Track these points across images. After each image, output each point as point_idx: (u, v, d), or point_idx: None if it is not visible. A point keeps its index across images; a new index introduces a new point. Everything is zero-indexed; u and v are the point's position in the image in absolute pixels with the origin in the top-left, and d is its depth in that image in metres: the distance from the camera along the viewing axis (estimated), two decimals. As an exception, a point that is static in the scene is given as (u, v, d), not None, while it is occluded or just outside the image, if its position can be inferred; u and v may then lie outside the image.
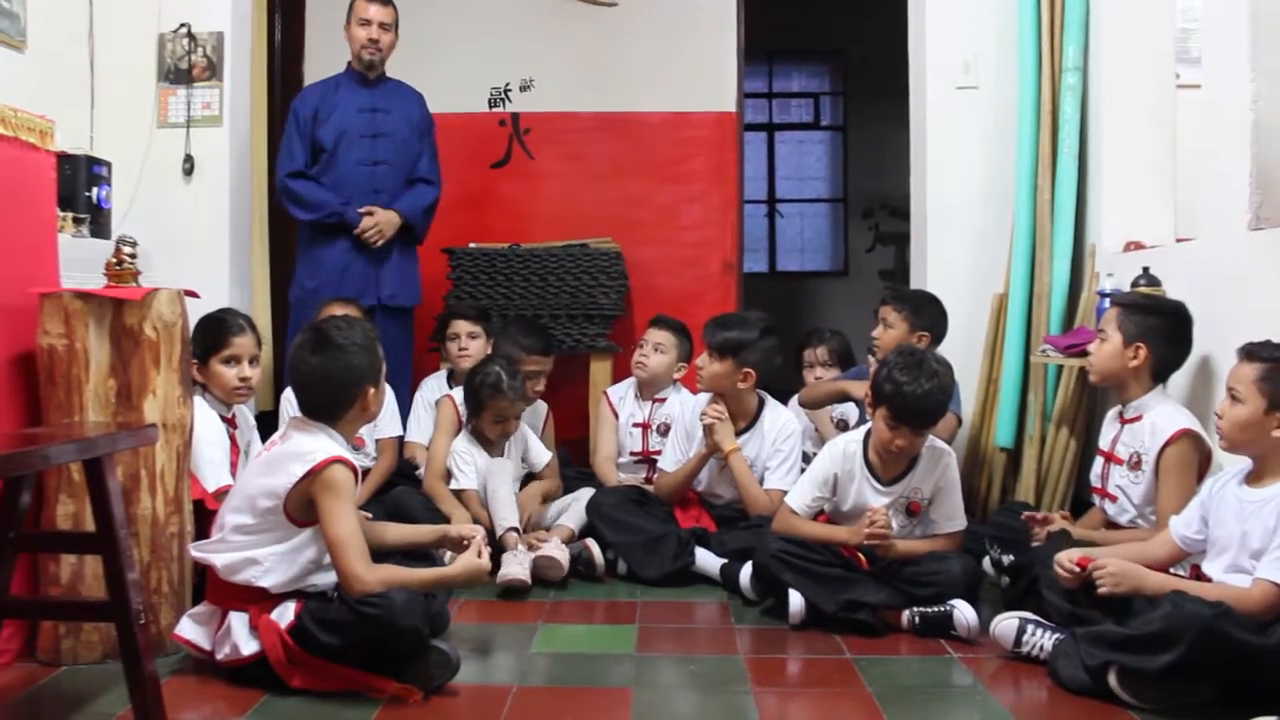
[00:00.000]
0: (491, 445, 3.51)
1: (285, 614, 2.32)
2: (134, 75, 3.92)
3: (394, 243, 4.02)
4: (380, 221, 3.93)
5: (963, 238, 4.10)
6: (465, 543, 2.61)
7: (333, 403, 2.46)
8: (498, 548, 3.18)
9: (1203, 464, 2.72)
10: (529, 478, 3.64)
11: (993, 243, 4.02)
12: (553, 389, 3.99)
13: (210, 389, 2.96)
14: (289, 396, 3.35)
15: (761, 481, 3.35)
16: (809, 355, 4.02)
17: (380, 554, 2.49)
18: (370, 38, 3.98)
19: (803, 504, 2.94)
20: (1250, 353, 2.33)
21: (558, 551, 3.16)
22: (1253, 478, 2.34)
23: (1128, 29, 3.70)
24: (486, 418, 3.47)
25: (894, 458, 2.86)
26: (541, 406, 3.84)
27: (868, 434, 2.93)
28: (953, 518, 2.88)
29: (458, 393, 3.73)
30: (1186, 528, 2.45)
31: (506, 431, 3.50)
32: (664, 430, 3.74)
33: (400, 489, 3.53)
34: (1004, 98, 4.02)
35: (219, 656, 2.36)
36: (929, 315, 3.58)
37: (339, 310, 3.36)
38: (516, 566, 3.08)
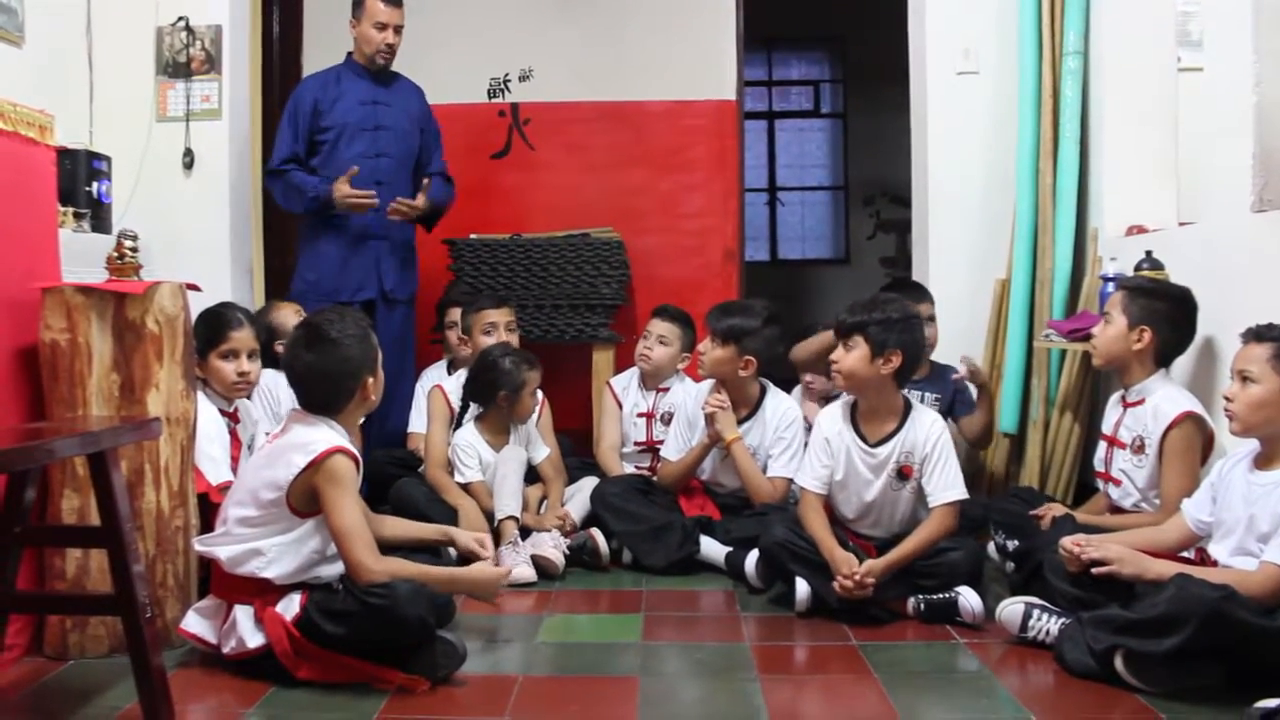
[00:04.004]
0: (496, 436, 3.51)
1: (290, 606, 2.33)
2: (132, 69, 3.91)
3: (394, 234, 4.02)
4: (418, 208, 3.95)
5: (964, 224, 4.10)
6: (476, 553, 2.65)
7: (334, 397, 2.47)
8: (494, 534, 3.21)
9: (1206, 447, 2.72)
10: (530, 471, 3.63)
11: (995, 228, 4.01)
12: (555, 379, 3.98)
13: (210, 384, 2.96)
14: (267, 384, 3.34)
15: (764, 469, 3.35)
16: None
17: (387, 549, 2.50)
18: (388, 43, 3.96)
19: (813, 476, 2.90)
20: (1260, 334, 2.33)
21: (553, 552, 3.17)
22: (1262, 460, 2.34)
23: (1128, 12, 3.68)
24: (526, 396, 3.48)
25: (846, 384, 2.85)
26: (537, 394, 3.81)
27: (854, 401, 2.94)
28: (949, 488, 2.80)
29: (448, 382, 3.73)
30: (1199, 510, 2.46)
31: (526, 412, 3.50)
32: (668, 420, 3.74)
33: (404, 480, 3.52)
34: (1005, 83, 4.01)
35: (225, 650, 2.36)
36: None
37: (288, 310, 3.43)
38: (523, 567, 3.10)
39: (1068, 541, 2.47)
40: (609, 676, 2.39)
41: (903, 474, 2.85)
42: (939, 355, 3.71)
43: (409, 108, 4.11)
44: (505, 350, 3.56)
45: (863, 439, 2.88)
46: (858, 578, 2.66)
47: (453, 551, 2.94)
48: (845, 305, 2.90)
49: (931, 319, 3.62)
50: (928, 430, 2.84)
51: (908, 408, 2.87)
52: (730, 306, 3.48)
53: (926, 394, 3.54)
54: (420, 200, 3.95)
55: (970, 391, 3.62)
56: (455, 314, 4.01)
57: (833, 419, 2.93)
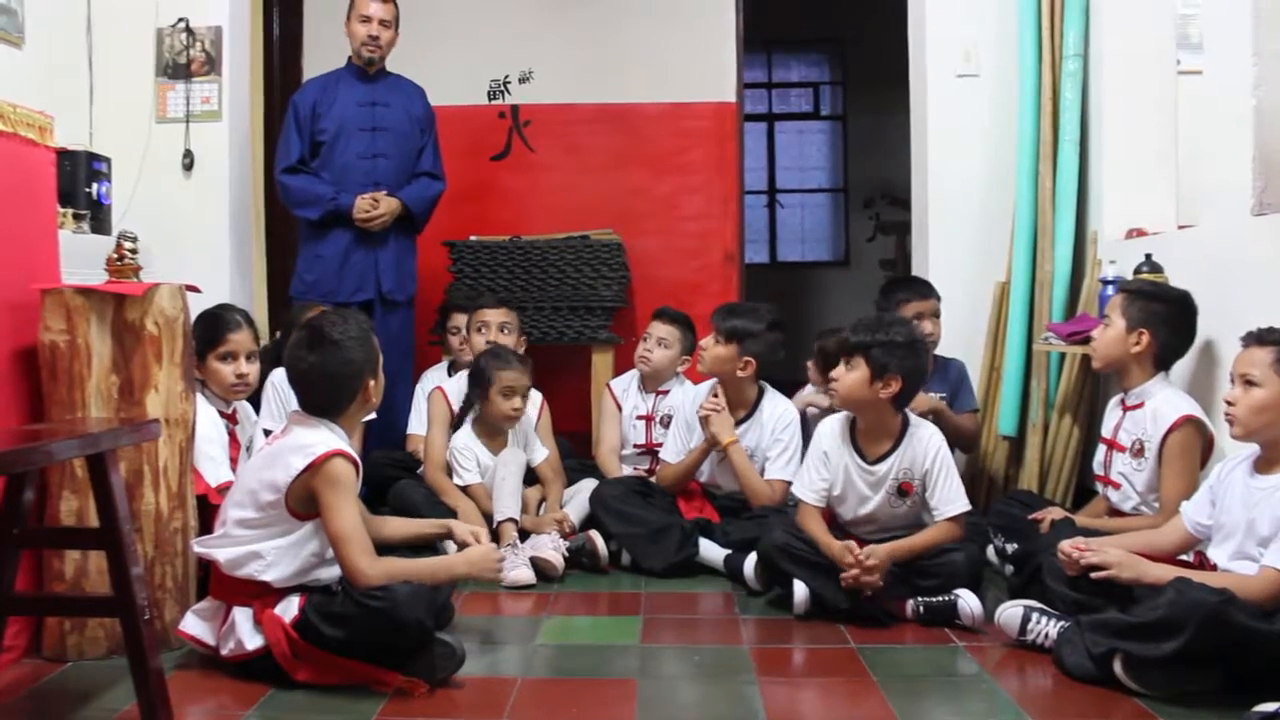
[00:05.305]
0: (493, 439, 3.51)
1: (289, 608, 2.32)
2: (132, 70, 3.91)
3: (392, 236, 4.00)
4: (385, 213, 3.91)
5: (964, 226, 4.09)
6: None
7: (335, 399, 2.46)
8: (494, 537, 3.19)
9: (1205, 450, 2.72)
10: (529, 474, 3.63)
11: (994, 231, 4.01)
12: (554, 381, 3.98)
13: (209, 385, 2.95)
14: (273, 381, 3.35)
15: (762, 471, 3.35)
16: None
17: (384, 548, 2.49)
18: (370, 34, 3.96)
19: (812, 489, 2.90)
20: (1261, 337, 2.33)
21: (553, 554, 3.16)
22: (1262, 464, 2.34)
23: (1128, 15, 3.68)
24: (495, 395, 3.44)
25: (843, 404, 2.86)
26: (536, 396, 3.81)
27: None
28: (953, 501, 2.81)
29: (449, 384, 3.73)
30: (1198, 514, 2.46)
31: (517, 410, 3.48)
32: (667, 422, 3.73)
33: (403, 483, 3.52)
34: (1005, 85, 4.01)
35: (224, 652, 2.36)
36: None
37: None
38: (523, 569, 3.09)
39: (1066, 545, 2.46)
40: (608, 679, 2.38)
41: (903, 491, 2.85)
42: (942, 349, 3.70)
43: (411, 109, 4.10)
44: (491, 350, 3.56)
45: (861, 456, 2.88)
46: (859, 558, 2.66)
47: (451, 546, 2.94)
48: (852, 323, 2.89)
49: (936, 315, 3.62)
50: (925, 445, 2.84)
51: (905, 425, 2.88)
52: (736, 307, 3.51)
53: (933, 390, 3.53)
54: (384, 203, 3.90)
55: (971, 386, 3.63)
56: (460, 319, 4.00)
57: (832, 434, 2.93)
